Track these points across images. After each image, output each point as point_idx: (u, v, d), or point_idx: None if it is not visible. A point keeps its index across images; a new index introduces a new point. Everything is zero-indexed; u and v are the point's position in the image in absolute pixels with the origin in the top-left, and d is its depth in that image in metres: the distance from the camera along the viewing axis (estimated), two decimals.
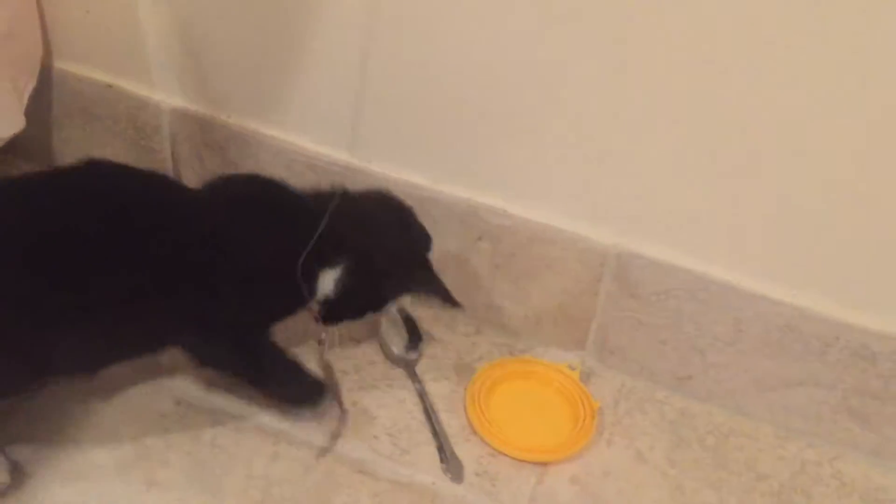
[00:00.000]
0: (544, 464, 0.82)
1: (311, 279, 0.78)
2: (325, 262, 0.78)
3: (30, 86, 0.96)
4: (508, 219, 0.89)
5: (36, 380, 0.76)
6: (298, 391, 0.84)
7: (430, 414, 0.85)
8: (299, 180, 0.94)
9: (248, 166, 0.98)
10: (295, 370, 0.83)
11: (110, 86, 1.02)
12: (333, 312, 0.82)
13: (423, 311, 0.97)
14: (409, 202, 0.87)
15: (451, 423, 0.85)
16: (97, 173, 0.75)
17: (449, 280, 0.94)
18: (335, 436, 0.82)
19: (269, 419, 0.83)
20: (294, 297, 0.79)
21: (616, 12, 0.74)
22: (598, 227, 0.86)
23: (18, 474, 0.75)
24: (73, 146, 1.10)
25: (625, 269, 0.86)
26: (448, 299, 0.84)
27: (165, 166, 1.05)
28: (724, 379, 0.88)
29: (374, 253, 0.80)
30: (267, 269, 0.77)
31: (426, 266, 0.84)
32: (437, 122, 0.88)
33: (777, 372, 0.85)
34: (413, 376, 0.89)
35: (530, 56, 0.80)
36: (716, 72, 0.73)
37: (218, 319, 0.76)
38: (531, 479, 0.81)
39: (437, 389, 0.88)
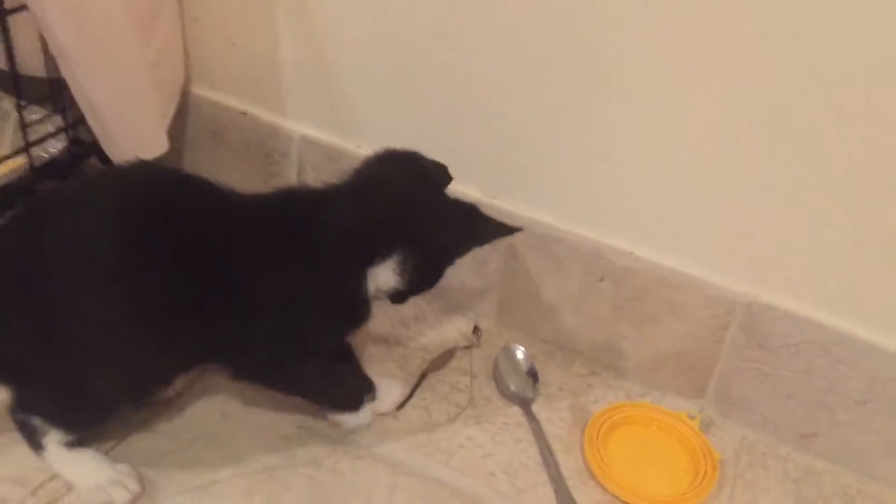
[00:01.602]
0: None
1: (361, 283, 0.73)
2: (373, 260, 0.73)
3: (171, 111, 1.00)
4: (635, 261, 0.88)
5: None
6: (339, 398, 0.83)
7: (546, 454, 0.84)
8: None
9: None
10: (335, 376, 0.83)
11: (244, 113, 1.05)
12: (403, 296, 0.77)
13: (537, 349, 0.97)
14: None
15: (567, 465, 0.84)
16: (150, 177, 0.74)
17: (567, 319, 0.94)
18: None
19: (387, 449, 0.84)
20: (350, 311, 0.76)
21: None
22: (727, 273, 0.85)
23: (148, 486, 0.77)
24: (201, 168, 1.14)
25: (754, 319, 0.84)
26: (506, 232, 0.79)
27: None
28: (852, 438, 0.85)
29: (419, 226, 0.74)
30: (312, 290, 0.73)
31: (473, 215, 0.79)
32: (563, 159, 0.88)
33: None
34: (529, 415, 0.88)
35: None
36: (863, 119, 0.72)
37: (269, 341, 0.73)
38: None
39: (553, 430, 0.88)
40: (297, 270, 0.72)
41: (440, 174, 0.81)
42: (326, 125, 1.01)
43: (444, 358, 0.94)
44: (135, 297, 0.67)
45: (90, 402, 0.72)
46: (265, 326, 0.71)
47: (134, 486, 0.77)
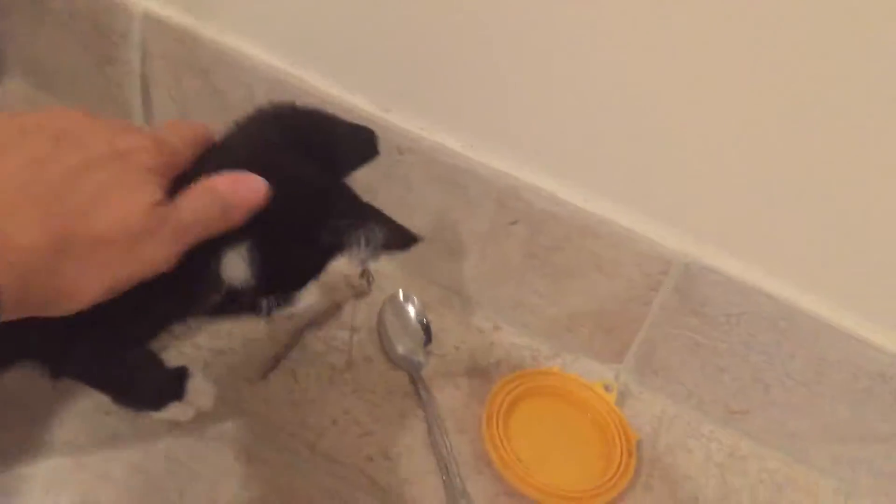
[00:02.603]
0: None
1: (207, 269, 0.53)
2: (221, 245, 0.52)
3: None
4: (557, 204, 0.72)
5: None
6: (160, 390, 0.64)
7: (437, 434, 0.69)
8: None
9: (237, 96, 0.79)
10: (152, 366, 0.64)
11: None
12: (254, 297, 0.56)
13: (432, 296, 0.81)
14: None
15: (461, 449, 0.70)
16: None
17: (470, 265, 0.78)
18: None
19: (239, 427, 0.67)
20: (184, 296, 0.55)
21: None
22: (666, 228, 0.70)
23: None
24: (20, 49, 0.89)
25: (692, 282, 0.70)
26: (404, 242, 0.60)
27: (131, 82, 0.85)
28: (786, 420, 0.74)
29: (285, 209, 0.54)
30: None
31: (361, 207, 0.58)
32: (477, 69, 0.70)
33: (854, 423, 0.71)
34: (419, 383, 0.73)
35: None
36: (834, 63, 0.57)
37: (83, 332, 0.54)
38: None
39: (447, 401, 0.73)
40: None
41: (354, 145, 0.60)
42: (177, 1, 0.79)
43: (326, 313, 0.77)
44: None
45: None
46: (87, 313, 0.52)
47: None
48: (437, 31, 0.70)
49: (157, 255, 0.45)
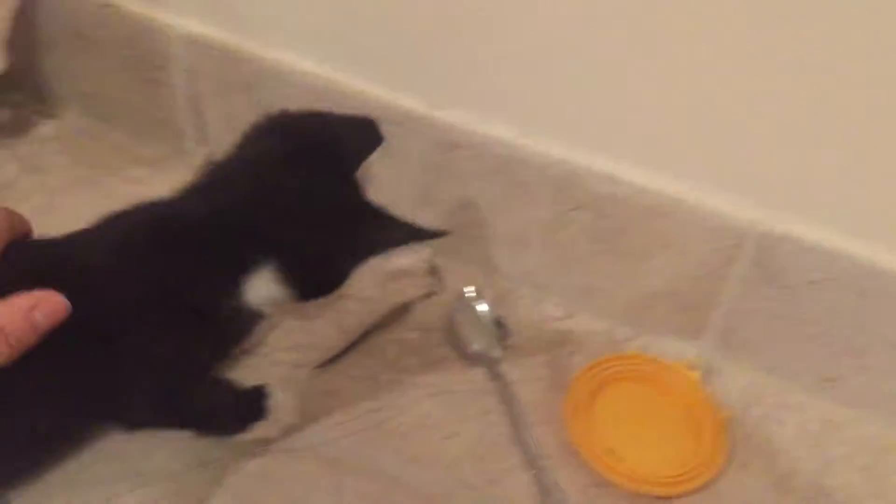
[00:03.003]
0: (666, 497, 0.66)
1: (235, 295, 0.55)
2: (244, 268, 0.54)
3: (4, 13, 0.76)
4: (616, 186, 0.70)
5: None
6: (241, 413, 0.65)
7: (521, 429, 0.69)
8: None
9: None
10: (225, 393, 0.63)
11: (107, 5, 0.81)
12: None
13: (500, 290, 0.80)
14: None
15: (547, 441, 0.69)
16: None
17: (536, 255, 0.77)
18: None
19: (324, 438, 0.67)
20: (224, 327, 0.57)
21: None
22: (735, 199, 0.67)
23: None
24: (68, 76, 0.91)
25: (768, 253, 0.68)
26: (422, 237, 0.59)
27: (179, 105, 0.85)
28: (883, 383, 0.71)
29: (293, 229, 0.55)
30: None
31: (377, 216, 0.59)
32: (526, 56, 0.68)
33: None
34: (497, 378, 0.73)
35: None
36: None
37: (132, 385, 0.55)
38: None
39: (528, 394, 0.72)
40: (156, 294, 0.52)
41: (359, 137, 0.60)
42: (218, 20, 0.79)
43: (392, 315, 0.77)
44: None
45: None
46: (136, 365, 0.53)
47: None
48: (479, 23, 0.68)
49: None
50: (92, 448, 0.65)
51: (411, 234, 0.58)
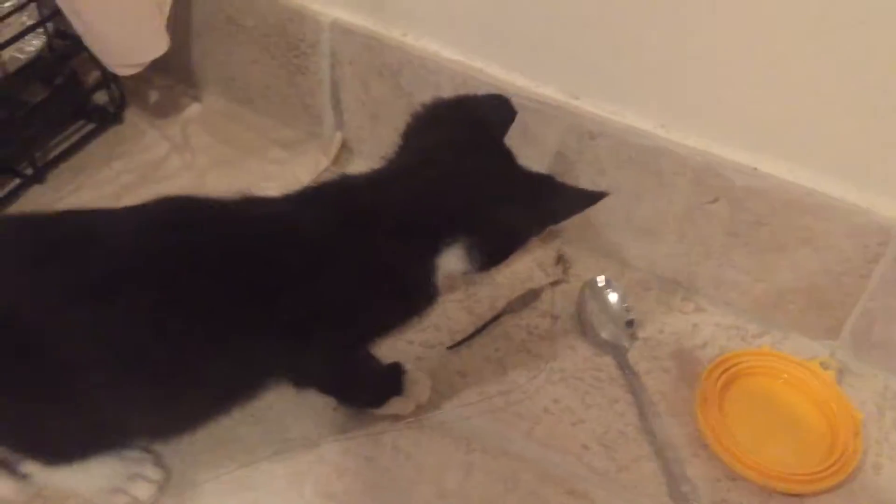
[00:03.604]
0: (799, 495, 0.66)
1: (428, 272, 0.59)
2: (437, 248, 0.59)
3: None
4: (758, 179, 0.69)
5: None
6: (380, 387, 0.69)
7: (650, 419, 0.69)
8: None
9: (425, 95, 0.81)
10: (371, 367, 0.67)
11: None
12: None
13: (628, 280, 0.81)
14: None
15: (675, 432, 0.69)
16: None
17: (667, 246, 0.77)
18: None
19: (457, 416, 0.70)
20: (416, 300, 0.61)
21: None
22: (883, 195, 0.66)
23: (172, 473, 0.65)
24: (214, 61, 0.95)
25: None
26: (588, 202, 0.62)
27: (322, 90, 0.89)
28: None
29: (483, 209, 0.59)
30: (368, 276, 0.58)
31: (547, 186, 0.62)
32: (668, 45, 0.68)
33: None
34: (625, 367, 0.73)
35: None
36: None
37: (322, 340, 0.59)
38: None
39: (656, 385, 0.73)
40: (354, 268, 0.57)
41: (500, 114, 0.65)
42: (364, 7, 0.81)
43: (524, 298, 0.78)
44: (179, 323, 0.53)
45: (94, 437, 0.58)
46: (331, 315, 0.57)
47: (155, 475, 0.64)
48: (621, 14, 0.69)
49: None
50: (239, 412, 0.68)
51: (583, 198, 0.62)
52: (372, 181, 0.60)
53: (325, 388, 0.65)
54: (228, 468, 0.65)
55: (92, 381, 0.52)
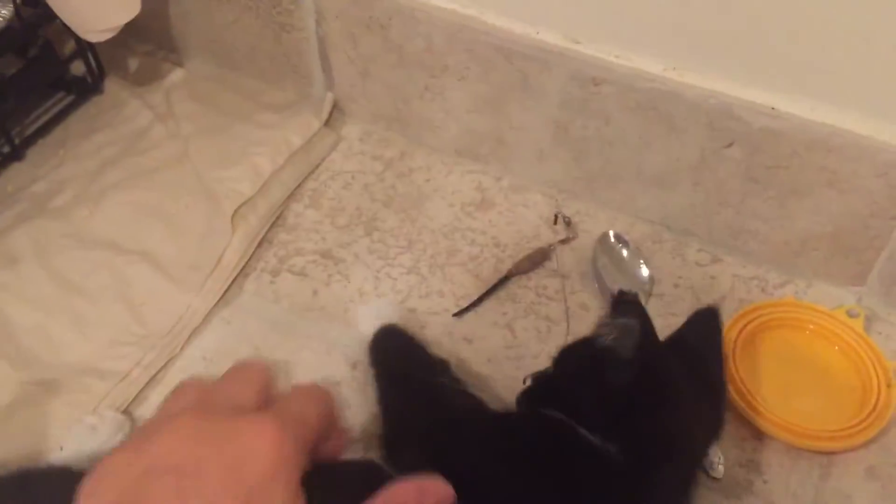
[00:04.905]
0: (829, 452, 0.62)
1: None
2: None
3: None
4: (777, 119, 0.65)
5: None
6: None
7: None
8: (484, 68, 0.74)
9: (416, 47, 0.76)
10: None
11: None
12: None
13: (640, 233, 0.77)
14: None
15: None
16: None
17: (680, 196, 0.73)
18: None
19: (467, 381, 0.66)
20: None
21: None
22: None
23: None
24: (195, 23, 0.90)
25: None
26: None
27: (309, 48, 0.84)
28: None
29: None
30: None
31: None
32: None
33: None
34: None
35: None
36: None
37: None
38: (813, 472, 0.62)
39: None
40: None
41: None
42: None
43: (532, 258, 0.74)
44: None
45: None
46: None
47: None
48: None
49: None
50: None
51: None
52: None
53: None
54: None
55: None
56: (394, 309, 0.71)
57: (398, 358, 0.65)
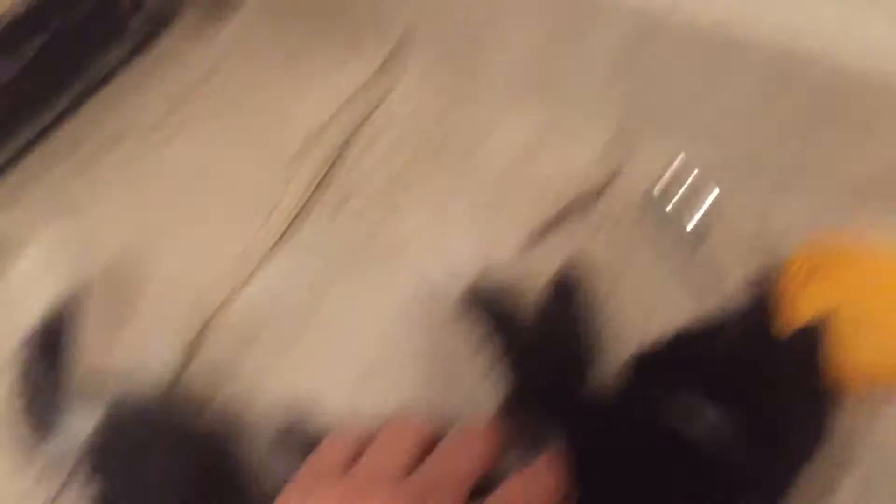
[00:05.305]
0: None
1: None
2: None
3: None
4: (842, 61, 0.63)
5: None
6: None
7: None
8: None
9: None
10: None
11: None
12: None
13: (698, 175, 0.75)
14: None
15: None
16: None
17: (739, 141, 0.71)
18: None
19: None
20: None
21: None
22: None
23: None
24: None
25: None
26: None
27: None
28: None
29: None
30: None
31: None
32: None
33: None
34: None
35: None
36: None
37: None
38: None
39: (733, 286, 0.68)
40: None
41: None
42: None
43: (585, 199, 0.73)
44: None
45: None
46: None
47: None
48: None
49: None
50: None
51: None
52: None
53: None
54: None
55: None
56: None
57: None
